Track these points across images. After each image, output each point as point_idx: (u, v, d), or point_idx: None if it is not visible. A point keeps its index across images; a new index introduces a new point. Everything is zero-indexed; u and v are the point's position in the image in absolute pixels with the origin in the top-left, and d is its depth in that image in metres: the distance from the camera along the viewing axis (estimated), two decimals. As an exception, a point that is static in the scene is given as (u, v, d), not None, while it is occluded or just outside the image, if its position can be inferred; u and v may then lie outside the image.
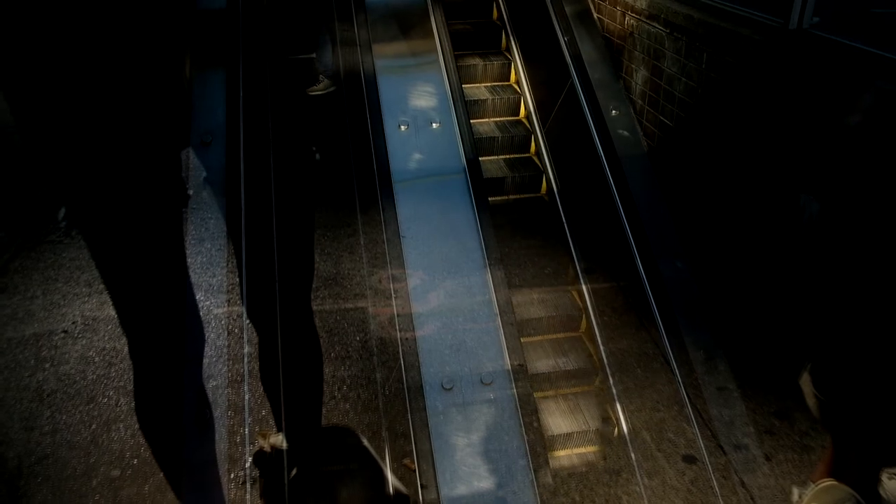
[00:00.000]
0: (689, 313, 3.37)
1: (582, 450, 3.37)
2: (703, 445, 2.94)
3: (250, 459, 2.81)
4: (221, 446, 2.76)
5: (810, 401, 2.31)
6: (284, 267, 2.71)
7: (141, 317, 2.17)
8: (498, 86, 5.16)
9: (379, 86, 4.08)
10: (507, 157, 4.87)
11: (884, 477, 2.25)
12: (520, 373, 2.96)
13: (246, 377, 2.95)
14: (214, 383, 2.89)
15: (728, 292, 3.32)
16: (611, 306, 3.73)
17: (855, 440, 2.26)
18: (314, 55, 4.56)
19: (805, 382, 2.31)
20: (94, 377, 3.06)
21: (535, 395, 3.19)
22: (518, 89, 5.06)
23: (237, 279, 3.20)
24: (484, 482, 2.69)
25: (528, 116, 4.93)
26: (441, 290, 3.20)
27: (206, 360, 2.90)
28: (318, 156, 4.15)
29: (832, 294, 2.45)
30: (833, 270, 2.51)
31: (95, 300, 3.39)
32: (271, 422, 2.96)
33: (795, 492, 2.53)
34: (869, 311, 2.20)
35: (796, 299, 2.80)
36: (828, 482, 2.30)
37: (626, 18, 3.98)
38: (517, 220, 4.49)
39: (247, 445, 2.83)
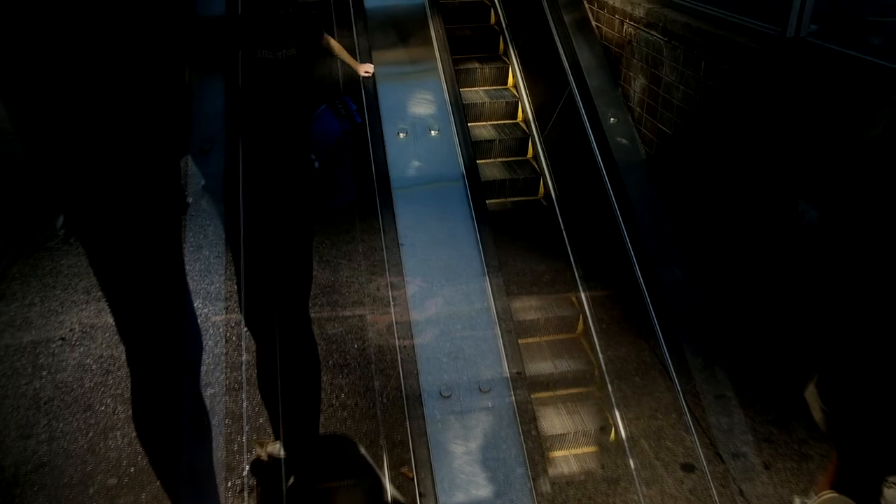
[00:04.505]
0: (688, 321, 3.36)
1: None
2: (701, 454, 2.93)
3: (248, 468, 2.80)
4: (219, 454, 2.75)
5: (817, 414, 2.29)
6: (282, 274, 2.72)
7: (139, 324, 2.18)
8: (496, 89, 5.19)
9: (378, 93, 4.09)
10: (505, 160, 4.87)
11: (885, 487, 2.24)
12: (518, 380, 2.96)
13: (244, 385, 2.94)
14: (212, 391, 2.88)
15: (727, 300, 3.32)
16: (609, 314, 3.73)
17: (859, 452, 2.25)
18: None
19: (812, 396, 2.30)
20: (92, 385, 3.05)
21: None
22: (516, 93, 5.08)
23: (235, 286, 3.20)
24: (482, 490, 2.68)
25: (525, 121, 4.94)
26: (439, 298, 3.20)
27: (203, 368, 2.89)
28: (317, 163, 4.16)
29: (834, 303, 2.45)
30: (833, 279, 2.51)
31: (93, 308, 3.38)
32: (269, 430, 2.95)
33: (797, 501, 2.53)
34: (869, 320, 2.20)
35: (796, 308, 2.80)
36: (830, 493, 2.30)
37: (625, 27, 3.99)
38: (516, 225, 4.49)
39: (244, 454, 2.82)
